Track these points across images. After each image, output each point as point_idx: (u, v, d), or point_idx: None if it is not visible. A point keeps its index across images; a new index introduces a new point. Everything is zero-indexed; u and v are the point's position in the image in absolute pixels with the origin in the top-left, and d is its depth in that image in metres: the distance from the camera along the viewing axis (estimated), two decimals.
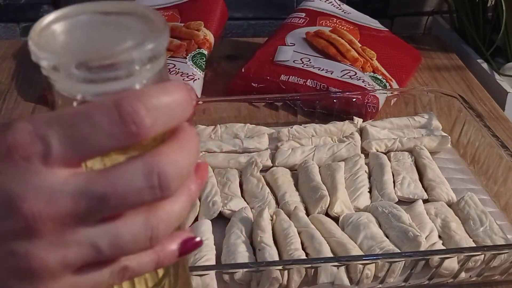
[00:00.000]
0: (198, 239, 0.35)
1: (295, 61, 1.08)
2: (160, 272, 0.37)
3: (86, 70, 0.30)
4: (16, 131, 0.29)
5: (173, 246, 0.34)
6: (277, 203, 0.81)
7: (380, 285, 0.70)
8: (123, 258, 0.32)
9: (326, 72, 1.06)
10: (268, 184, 0.84)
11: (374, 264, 0.68)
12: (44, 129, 0.29)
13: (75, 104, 0.31)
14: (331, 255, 0.70)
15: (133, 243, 0.31)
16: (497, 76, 1.16)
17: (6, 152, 0.29)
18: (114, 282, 0.33)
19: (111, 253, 0.31)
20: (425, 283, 0.71)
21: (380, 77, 1.08)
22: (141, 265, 0.33)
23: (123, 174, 0.30)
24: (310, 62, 1.08)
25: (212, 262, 0.70)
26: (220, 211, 0.78)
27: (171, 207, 0.32)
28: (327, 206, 0.79)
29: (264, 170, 0.87)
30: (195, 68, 1.07)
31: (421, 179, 0.86)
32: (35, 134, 0.29)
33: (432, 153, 0.91)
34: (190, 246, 0.35)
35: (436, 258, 0.69)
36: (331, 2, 1.24)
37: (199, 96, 1.04)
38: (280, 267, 0.66)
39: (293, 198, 0.81)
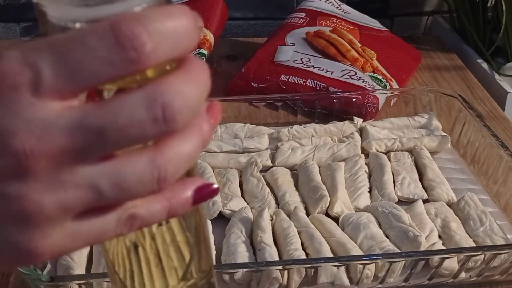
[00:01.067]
0: (215, 185, 0.32)
1: (295, 61, 1.08)
2: (187, 257, 0.35)
3: None
4: (2, 60, 0.26)
5: (187, 192, 0.31)
6: (277, 203, 0.81)
7: (380, 285, 0.70)
8: (130, 204, 0.29)
9: (326, 72, 1.06)
10: (268, 184, 0.84)
11: (374, 264, 0.68)
12: (34, 56, 0.26)
13: None
14: (331, 255, 0.70)
15: (138, 184, 0.28)
16: (497, 76, 1.16)
17: None
18: (122, 231, 0.30)
19: (114, 196, 0.28)
20: (425, 283, 0.71)
21: (380, 77, 1.08)
22: (151, 213, 0.30)
23: (123, 105, 0.27)
24: (310, 62, 1.08)
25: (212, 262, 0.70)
26: (220, 211, 0.78)
27: (180, 147, 0.29)
28: (327, 206, 0.79)
29: (264, 170, 0.87)
30: None
31: (421, 179, 0.86)
32: (23, 62, 0.26)
33: (432, 153, 0.91)
34: (205, 193, 0.31)
35: (436, 258, 0.69)
36: (331, 2, 1.24)
37: None
38: (280, 267, 0.66)
39: (293, 198, 0.81)
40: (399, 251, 0.71)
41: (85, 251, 0.71)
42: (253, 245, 0.73)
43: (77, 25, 0.28)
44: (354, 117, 0.98)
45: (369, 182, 0.85)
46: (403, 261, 0.68)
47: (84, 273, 0.68)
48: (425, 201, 0.81)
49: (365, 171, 0.86)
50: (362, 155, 0.89)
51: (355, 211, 0.79)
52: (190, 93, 0.28)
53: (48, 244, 0.28)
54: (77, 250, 0.30)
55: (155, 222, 0.31)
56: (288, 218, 0.76)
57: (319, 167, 0.87)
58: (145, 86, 0.27)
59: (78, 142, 0.26)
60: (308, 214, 0.78)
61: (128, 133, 0.27)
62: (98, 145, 0.27)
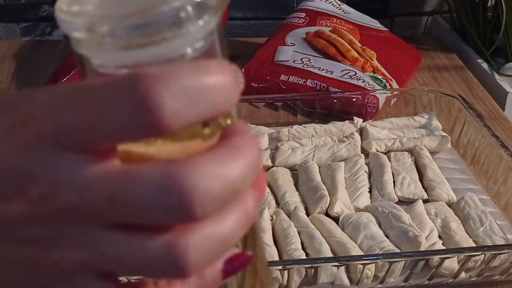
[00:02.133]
0: (248, 253, 0.28)
1: (295, 61, 1.08)
2: None
3: (126, 29, 0.25)
4: (32, 104, 0.25)
5: (215, 268, 0.27)
6: (277, 203, 0.81)
7: (380, 285, 0.70)
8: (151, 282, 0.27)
9: (326, 72, 1.06)
10: (268, 184, 0.84)
11: (374, 264, 0.68)
12: (59, 105, 0.25)
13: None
14: (331, 255, 0.70)
15: (148, 267, 0.24)
16: (497, 76, 1.16)
17: (20, 125, 0.25)
18: None
19: (122, 269, 0.25)
20: (425, 283, 0.71)
21: (380, 77, 1.08)
22: None
23: (136, 180, 0.24)
24: (310, 62, 1.08)
25: None
26: None
27: (213, 229, 0.24)
28: (327, 206, 0.79)
29: (264, 170, 0.87)
30: None
31: (421, 179, 0.86)
32: (49, 110, 0.25)
33: (432, 153, 0.91)
34: (237, 264, 0.27)
35: (436, 258, 0.69)
36: (331, 2, 1.24)
37: None
38: (280, 267, 0.66)
39: (293, 198, 0.81)
40: (399, 251, 0.71)
41: None
42: None
43: (122, 71, 0.26)
44: (354, 117, 0.98)
45: (369, 182, 0.85)
46: (403, 261, 0.68)
47: None
48: (425, 201, 0.81)
49: (365, 171, 0.86)
50: (362, 155, 0.89)
51: (355, 211, 0.79)
52: (225, 177, 0.24)
53: None
54: None
55: None
56: (288, 218, 0.76)
57: (319, 167, 0.87)
58: (168, 163, 0.24)
59: (87, 204, 0.24)
60: (308, 214, 0.78)
61: (137, 212, 0.24)
62: (107, 213, 0.24)
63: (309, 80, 1.05)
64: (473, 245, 0.74)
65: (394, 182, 0.85)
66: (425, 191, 0.83)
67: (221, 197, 0.24)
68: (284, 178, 0.84)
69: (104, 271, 0.26)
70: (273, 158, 0.89)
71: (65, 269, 0.26)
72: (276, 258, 0.70)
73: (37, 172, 0.25)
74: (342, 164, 0.87)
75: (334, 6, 1.23)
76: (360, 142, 0.92)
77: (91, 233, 0.25)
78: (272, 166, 0.88)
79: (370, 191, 0.84)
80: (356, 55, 1.09)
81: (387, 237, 0.74)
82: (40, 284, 0.27)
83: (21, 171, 0.25)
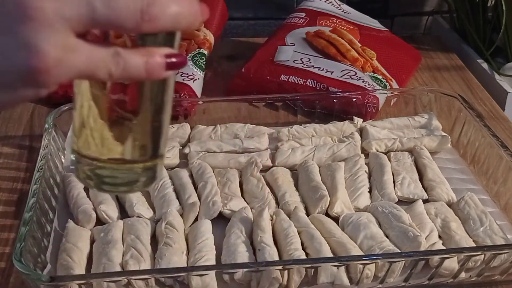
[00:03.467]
0: (183, 57, 0.37)
1: (295, 61, 1.08)
2: (146, 137, 0.41)
3: None
4: None
5: (161, 55, 0.36)
6: (277, 203, 0.81)
7: (380, 285, 0.70)
8: (119, 48, 0.35)
9: (326, 72, 1.06)
10: (268, 184, 0.84)
11: (374, 264, 0.68)
12: None
13: None
14: (331, 255, 0.70)
15: (125, 9, 0.33)
16: (497, 76, 1.16)
17: None
18: (108, 66, 0.35)
19: (105, 15, 0.33)
20: (425, 283, 0.71)
21: (380, 77, 1.08)
22: (133, 62, 0.35)
23: None
24: (310, 62, 1.08)
25: (212, 262, 0.70)
26: (220, 211, 0.78)
27: (168, 2, 0.35)
28: (327, 206, 0.79)
29: (264, 170, 0.87)
30: (195, 68, 1.07)
31: (421, 179, 0.86)
32: None
33: (432, 153, 0.91)
34: (177, 62, 0.37)
35: (436, 258, 0.69)
36: (331, 2, 1.24)
37: (199, 96, 1.04)
38: (280, 267, 0.66)
39: (293, 198, 0.81)
40: (399, 251, 0.71)
41: (86, 251, 0.71)
42: (253, 245, 0.73)
43: None
44: (354, 117, 0.98)
45: (369, 182, 0.85)
46: (403, 261, 0.68)
47: (84, 273, 0.68)
48: (425, 201, 0.81)
49: (365, 171, 0.86)
50: (362, 155, 0.89)
51: (355, 211, 0.79)
52: None
53: (50, 49, 0.32)
54: (75, 74, 0.35)
55: (135, 74, 0.36)
56: (288, 218, 0.76)
57: (319, 167, 0.87)
58: None
59: None
60: (308, 214, 0.78)
61: None
62: None
63: (309, 80, 1.05)
64: (473, 245, 0.74)
65: (394, 182, 0.85)
66: (425, 191, 0.83)
67: None
68: (284, 178, 0.84)
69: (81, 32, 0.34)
70: (273, 158, 0.89)
71: (56, 21, 0.33)
72: (276, 258, 0.70)
73: None
74: (342, 164, 0.87)
75: (334, 6, 1.23)
76: (360, 142, 0.92)
77: None
78: (272, 166, 0.88)
79: (370, 191, 0.84)
80: (356, 55, 1.09)
81: (387, 237, 0.74)
82: (25, 33, 0.33)
83: None
